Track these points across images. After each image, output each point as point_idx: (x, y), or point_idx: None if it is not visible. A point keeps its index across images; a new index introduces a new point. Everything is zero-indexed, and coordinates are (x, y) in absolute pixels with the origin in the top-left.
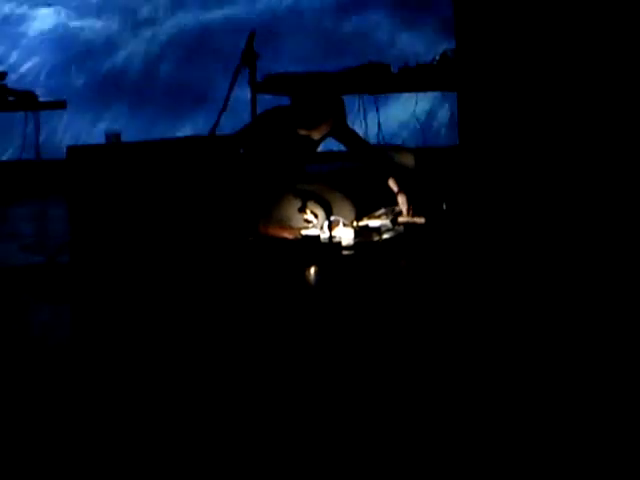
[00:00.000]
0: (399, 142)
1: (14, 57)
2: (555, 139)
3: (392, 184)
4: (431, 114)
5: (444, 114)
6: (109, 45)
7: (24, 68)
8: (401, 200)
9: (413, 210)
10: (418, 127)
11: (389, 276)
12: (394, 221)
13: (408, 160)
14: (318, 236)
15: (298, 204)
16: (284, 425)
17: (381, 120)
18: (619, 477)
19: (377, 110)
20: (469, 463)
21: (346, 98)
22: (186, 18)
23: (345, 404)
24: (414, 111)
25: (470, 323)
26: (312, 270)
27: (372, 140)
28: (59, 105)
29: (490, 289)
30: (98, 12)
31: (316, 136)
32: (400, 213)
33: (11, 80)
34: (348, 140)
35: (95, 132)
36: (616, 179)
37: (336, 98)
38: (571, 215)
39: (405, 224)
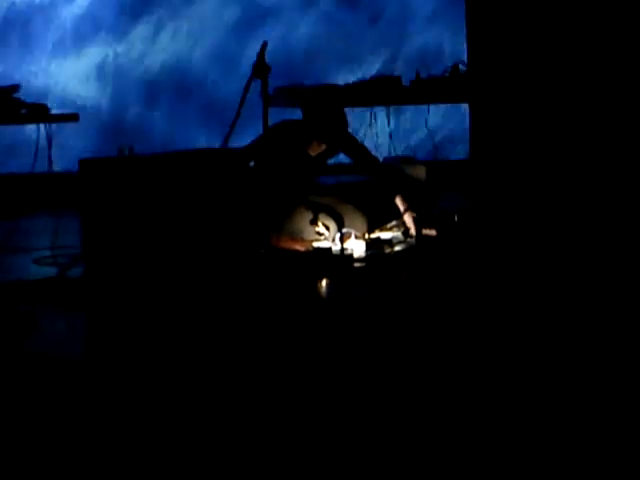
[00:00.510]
0: (410, 154)
1: None
2: (569, 152)
3: (399, 202)
4: (443, 127)
5: (456, 127)
6: None
7: None
8: (408, 220)
9: (422, 227)
10: (430, 140)
11: (400, 288)
12: (406, 233)
13: (420, 172)
14: (330, 248)
15: (310, 216)
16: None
17: (392, 132)
18: (619, 477)
19: (388, 123)
20: (469, 463)
21: (357, 110)
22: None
23: (349, 410)
24: (426, 124)
25: (479, 334)
26: (324, 282)
27: (383, 152)
28: (71, 118)
29: (500, 301)
30: None
31: (312, 153)
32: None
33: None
34: (354, 154)
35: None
36: (634, 191)
37: (331, 116)
38: (586, 228)
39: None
